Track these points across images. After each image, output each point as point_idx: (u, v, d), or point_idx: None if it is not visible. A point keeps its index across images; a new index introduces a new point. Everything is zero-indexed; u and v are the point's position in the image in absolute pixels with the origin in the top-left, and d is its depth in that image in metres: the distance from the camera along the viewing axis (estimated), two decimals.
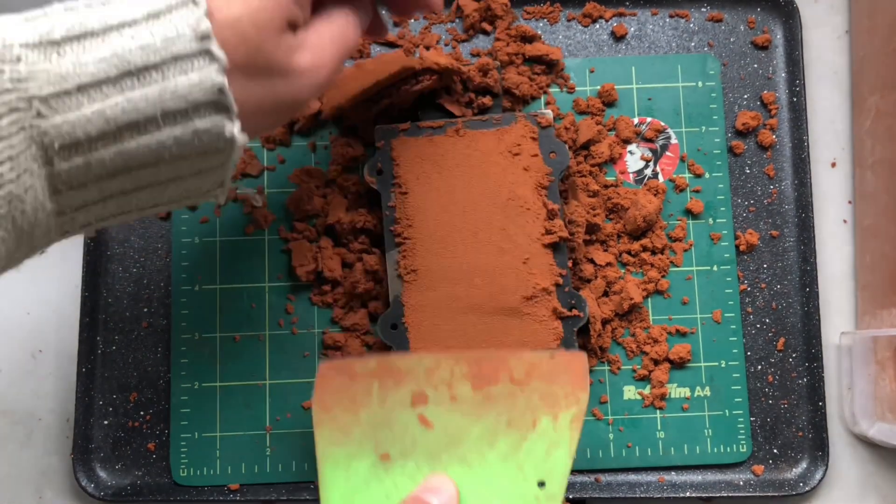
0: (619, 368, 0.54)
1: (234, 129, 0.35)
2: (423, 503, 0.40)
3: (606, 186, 0.55)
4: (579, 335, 0.52)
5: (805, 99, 0.57)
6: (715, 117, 0.56)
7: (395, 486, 0.42)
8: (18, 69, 0.31)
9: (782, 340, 0.55)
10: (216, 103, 0.35)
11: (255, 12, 0.35)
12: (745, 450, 0.53)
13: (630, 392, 0.54)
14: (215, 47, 0.34)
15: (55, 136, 0.32)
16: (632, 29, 0.58)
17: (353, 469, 0.42)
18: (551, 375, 0.43)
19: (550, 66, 0.56)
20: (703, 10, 0.58)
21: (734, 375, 0.54)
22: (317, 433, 0.43)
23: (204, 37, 0.34)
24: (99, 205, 0.35)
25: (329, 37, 0.39)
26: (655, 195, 0.55)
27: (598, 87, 0.56)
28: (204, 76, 0.34)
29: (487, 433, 0.42)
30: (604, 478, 0.53)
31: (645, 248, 0.55)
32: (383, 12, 0.47)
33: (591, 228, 0.54)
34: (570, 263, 0.52)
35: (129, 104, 0.33)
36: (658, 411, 0.54)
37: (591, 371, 0.54)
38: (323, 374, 0.44)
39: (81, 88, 0.32)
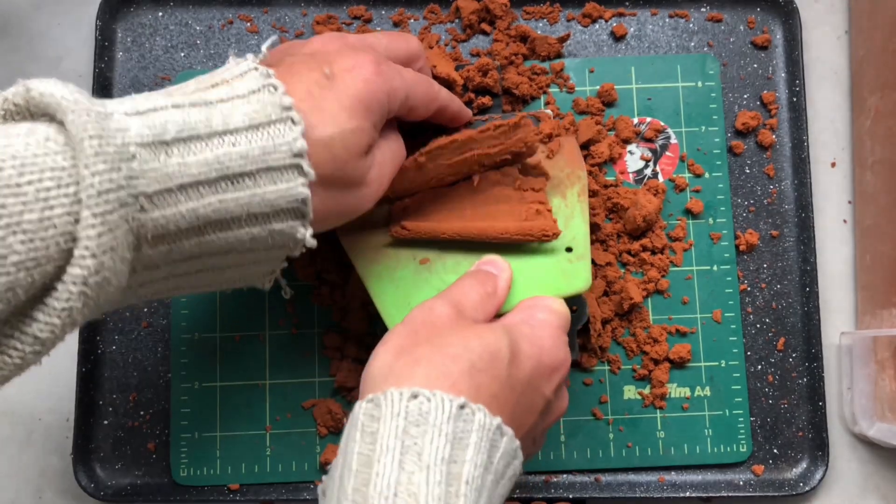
0: (619, 368, 0.54)
1: (308, 233, 0.39)
2: (483, 272, 0.45)
3: (606, 186, 0.55)
4: (579, 335, 0.52)
5: (805, 99, 0.57)
6: (715, 117, 0.56)
7: (442, 282, 0.46)
8: (133, 167, 0.33)
9: (782, 340, 0.55)
10: (296, 210, 0.38)
11: (348, 136, 0.39)
12: (745, 450, 0.53)
13: (630, 392, 0.54)
14: (306, 164, 0.37)
15: (150, 228, 0.35)
16: (631, 29, 0.58)
17: (399, 277, 0.46)
18: (549, 162, 0.49)
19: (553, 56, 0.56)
20: (703, 10, 0.58)
21: (734, 375, 0.54)
22: (353, 258, 0.47)
23: (298, 154, 0.37)
24: (161, 282, 0.38)
25: (390, 155, 0.44)
26: (655, 195, 0.55)
27: (598, 87, 0.56)
28: (291, 187, 0.37)
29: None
30: (604, 478, 0.53)
31: (645, 248, 0.55)
32: None
33: (591, 228, 0.54)
34: None
35: (220, 205, 0.36)
36: (658, 411, 0.54)
37: (591, 371, 0.54)
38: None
39: (182, 188, 0.35)
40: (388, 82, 0.41)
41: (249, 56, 0.40)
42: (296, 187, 0.38)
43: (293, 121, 0.38)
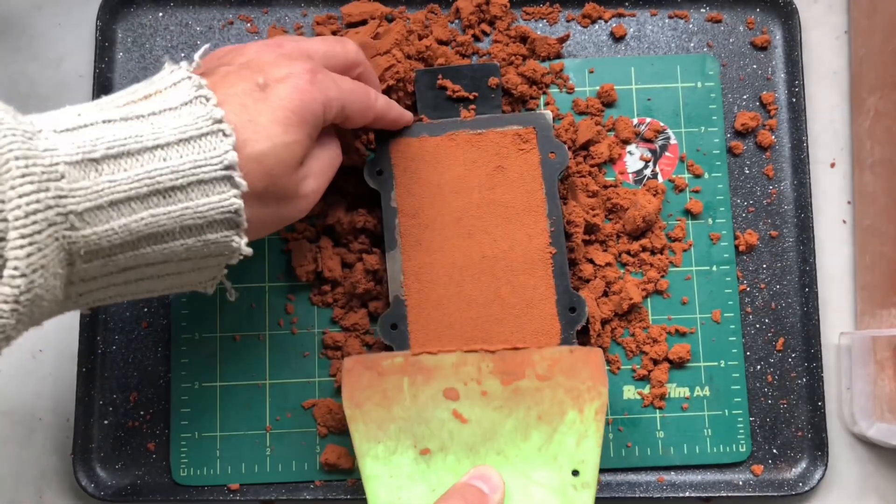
0: (618, 368, 0.54)
1: (242, 242, 0.40)
2: (474, 489, 0.42)
3: (606, 187, 0.55)
4: (579, 335, 0.52)
5: (804, 99, 0.57)
6: (714, 118, 0.57)
7: (438, 481, 0.44)
8: (61, 186, 0.34)
9: (782, 340, 0.55)
10: (230, 221, 0.38)
11: (281, 150, 0.39)
12: (744, 450, 0.53)
13: (629, 392, 0.54)
14: (238, 176, 0.38)
15: (83, 245, 0.35)
16: (631, 29, 0.58)
17: (395, 464, 0.44)
18: (572, 370, 0.46)
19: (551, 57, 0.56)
20: (703, 10, 0.58)
21: (733, 375, 0.54)
22: (352, 428, 0.45)
23: (229, 167, 0.37)
24: (101, 291, 0.38)
25: (327, 163, 0.44)
26: (655, 195, 0.55)
27: (598, 88, 0.56)
28: (223, 199, 0.38)
29: (520, 426, 0.45)
30: (603, 478, 0.53)
31: (644, 249, 0.55)
32: None
33: (591, 229, 0.54)
34: (568, 263, 0.52)
35: (152, 219, 0.36)
36: (657, 411, 0.54)
37: None
38: (349, 368, 0.46)
39: (113, 204, 0.35)
40: (324, 92, 0.41)
41: (184, 64, 0.40)
42: (228, 199, 0.38)
43: (224, 133, 0.38)
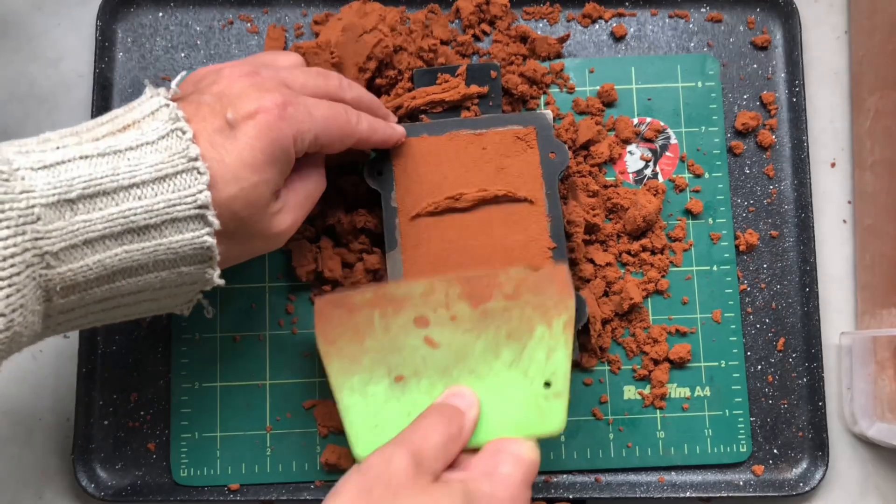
0: (619, 368, 0.54)
1: (215, 275, 0.41)
2: (450, 406, 0.43)
3: (606, 186, 0.55)
4: (579, 335, 0.52)
5: (804, 99, 0.57)
6: (714, 117, 0.56)
7: (413, 404, 0.44)
8: (37, 229, 0.35)
9: (782, 340, 0.55)
10: (202, 255, 0.39)
11: (249, 192, 0.40)
12: (745, 450, 0.53)
13: (630, 392, 0.54)
14: (211, 215, 0.38)
15: (58, 282, 0.36)
16: (631, 29, 0.58)
17: (371, 393, 0.45)
18: (538, 288, 0.46)
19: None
20: (703, 10, 0.58)
21: (734, 375, 0.54)
22: (327, 365, 0.46)
23: (202, 206, 0.38)
24: (78, 319, 0.39)
25: (305, 195, 0.44)
26: (655, 195, 0.55)
27: (598, 88, 0.56)
28: (196, 236, 0.38)
29: (490, 346, 0.45)
30: (604, 478, 0.53)
31: (645, 248, 0.55)
32: None
33: (591, 228, 0.54)
34: (569, 262, 0.52)
35: (126, 255, 0.37)
36: (658, 411, 0.54)
37: (591, 371, 0.54)
38: (320, 308, 0.46)
39: (87, 242, 0.36)
40: (294, 125, 0.41)
41: (162, 90, 0.40)
42: (201, 237, 0.38)
43: (199, 171, 0.38)
